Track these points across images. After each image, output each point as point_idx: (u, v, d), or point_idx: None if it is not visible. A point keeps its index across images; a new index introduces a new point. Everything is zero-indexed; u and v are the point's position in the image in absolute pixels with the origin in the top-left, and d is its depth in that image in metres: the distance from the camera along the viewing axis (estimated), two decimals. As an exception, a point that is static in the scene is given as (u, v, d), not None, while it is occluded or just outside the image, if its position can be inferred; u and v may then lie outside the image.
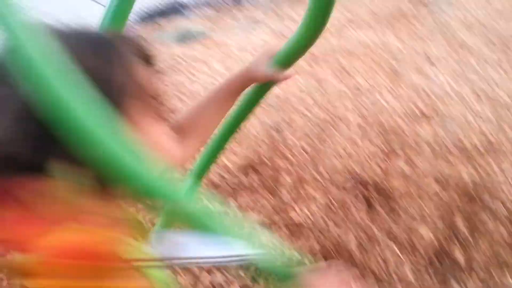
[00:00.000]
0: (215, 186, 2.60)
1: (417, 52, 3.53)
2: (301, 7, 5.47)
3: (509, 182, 2.33)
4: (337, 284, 0.70)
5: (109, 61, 0.62)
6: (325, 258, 2.14)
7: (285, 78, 1.05)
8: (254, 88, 1.12)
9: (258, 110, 3.04)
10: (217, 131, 1.21)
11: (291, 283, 0.66)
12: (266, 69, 1.04)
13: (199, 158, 1.36)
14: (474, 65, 3.32)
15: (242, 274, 2.06)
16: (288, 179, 2.52)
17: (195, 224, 0.55)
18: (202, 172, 1.37)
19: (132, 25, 6.20)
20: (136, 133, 0.63)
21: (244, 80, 1.05)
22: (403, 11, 4.37)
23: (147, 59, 0.72)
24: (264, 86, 1.11)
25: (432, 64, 3.35)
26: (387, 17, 4.28)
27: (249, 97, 1.14)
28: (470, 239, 2.12)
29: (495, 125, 2.68)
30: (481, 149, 2.53)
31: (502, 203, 2.22)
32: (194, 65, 4.00)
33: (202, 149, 1.32)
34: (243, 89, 1.07)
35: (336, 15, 4.50)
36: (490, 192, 2.31)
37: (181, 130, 0.96)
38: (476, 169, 2.41)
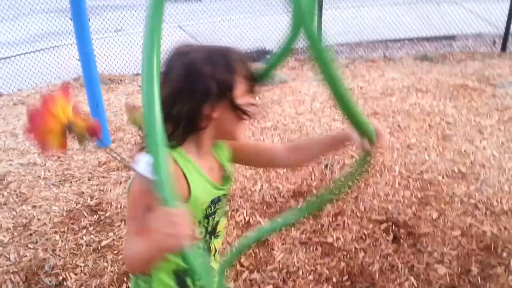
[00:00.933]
0: (268, 204, 3.07)
1: (471, 124, 3.86)
2: (374, 70, 5.96)
3: (528, 245, 2.58)
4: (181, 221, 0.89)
5: (215, 65, 1.07)
6: (349, 278, 2.50)
7: (378, 151, 1.33)
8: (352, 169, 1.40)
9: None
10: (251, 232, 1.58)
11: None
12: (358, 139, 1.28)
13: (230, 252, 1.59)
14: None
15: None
16: (330, 208, 2.94)
17: None
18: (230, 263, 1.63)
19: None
20: (216, 125, 1.11)
21: (345, 137, 1.31)
22: (468, 86, 4.71)
23: (250, 75, 1.14)
24: (362, 160, 1.33)
25: (483, 136, 3.66)
26: (450, 88, 4.64)
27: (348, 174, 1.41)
28: (481, 284, 2.39)
29: (527, 195, 2.95)
30: (509, 213, 2.81)
31: (519, 262, 2.48)
32: (270, 105, 4.57)
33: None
34: (340, 145, 1.39)
35: (405, 82, 4.94)
36: (510, 251, 2.58)
37: (288, 149, 1.44)
38: (500, 229, 2.69)
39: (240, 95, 1.12)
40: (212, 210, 1.25)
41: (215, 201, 1.25)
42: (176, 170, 1.10)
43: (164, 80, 1.05)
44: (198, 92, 1.07)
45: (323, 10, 6.65)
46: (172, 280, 1.26)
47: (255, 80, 1.18)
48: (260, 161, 1.51)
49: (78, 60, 3.62)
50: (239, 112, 1.14)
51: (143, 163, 1.03)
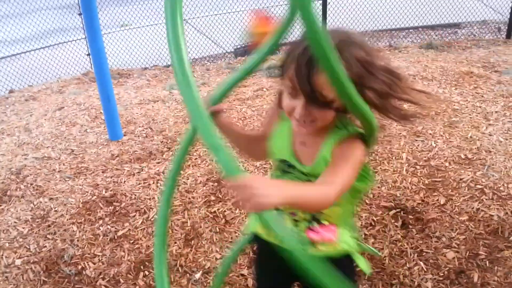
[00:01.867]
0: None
1: (477, 110, 3.90)
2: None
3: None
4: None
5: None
6: (360, 263, 2.57)
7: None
8: None
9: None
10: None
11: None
12: None
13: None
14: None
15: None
16: (340, 196, 3.00)
17: None
18: None
19: (229, 59, 7.02)
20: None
21: None
22: (473, 73, 4.74)
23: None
24: None
25: (489, 122, 3.70)
26: (456, 75, 4.67)
27: None
28: (489, 267, 2.46)
29: (533, 180, 3.00)
30: (515, 198, 2.86)
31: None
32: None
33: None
34: None
35: (411, 70, 4.97)
36: (517, 234, 2.64)
37: None
38: (507, 213, 2.75)
39: None
40: (286, 170, 1.38)
41: (288, 164, 1.37)
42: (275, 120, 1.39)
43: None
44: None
45: (327, 0, 6.67)
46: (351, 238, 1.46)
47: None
48: None
49: (88, 55, 3.70)
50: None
51: None
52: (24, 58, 7.00)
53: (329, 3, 6.62)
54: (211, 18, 8.25)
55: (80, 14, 5.42)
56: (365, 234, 2.72)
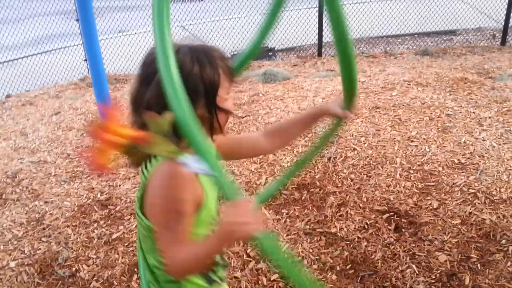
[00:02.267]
0: (273, 197, 3.15)
1: (470, 116, 3.93)
2: (375, 65, 6.03)
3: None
4: (246, 213, 0.98)
5: (202, 64, 1.11)
6: (353, 266, 2.58)
7: (351, 118, 1.49)
8: (328, 129, 1.57)
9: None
10: (292, 163, 1.74)
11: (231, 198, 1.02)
12: (337, 109, 1.48)
13: (272, 181, 1.80)
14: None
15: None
16: (333, 200, 3.03)
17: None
18: (267, 197, 1.80)
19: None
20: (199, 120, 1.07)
21: (321, 113, 1.51)
22: (467, 79, 4.78)
23: (230, 71, 1.18)
24: (336, 125, 1.55)
25: (482, 127, 3.73)
26: (450, 82, 4.71)
27: (324, 134, 1.61)
28: (480, 270, 2.47)
29: (525, 184, 3.03)
30: (508, 202, 2.89)
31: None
32: (273, 101, 4.66)
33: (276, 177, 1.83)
34: (317, 120, 1.52)
35: (406, 76, 5.01)
36: (508, 238, 2.66)
37: (268, 134, 1.52)
38: (499, 217, 2.77)
39: (225, 92, 1.17)
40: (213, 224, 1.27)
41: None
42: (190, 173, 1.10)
43: (150, 82, 1.10)
44: (189, 93, 1.07)
45: (324, 7, 6.71)
46: (200, 279, 1.27)
47: (234, 74, 1.23)
48: (245, 152, 1.57)
49: (85, 60, 3.72)
50: (227, 108, 1.19)
51: (194, 164, 1.06)
52: (21, 63, 7.03)
53: (325, 9, 6.65)
54: (208, 25, 8.30)
55: (77, 20, 5.45)
56: (358, 238, 2.74)
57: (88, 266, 2.70)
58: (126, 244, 2.83)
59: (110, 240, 2.88)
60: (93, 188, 3.40)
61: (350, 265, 2.58)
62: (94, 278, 2.61)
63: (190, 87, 1.08)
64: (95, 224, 3.02)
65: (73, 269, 2.67)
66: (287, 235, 2.81)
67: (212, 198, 1.21)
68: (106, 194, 3.32)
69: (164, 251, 1.07)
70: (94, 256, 2.76)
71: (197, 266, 1.11)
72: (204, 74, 1.11)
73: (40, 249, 2.84)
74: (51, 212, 3.17)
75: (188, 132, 0.99)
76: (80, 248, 2.82)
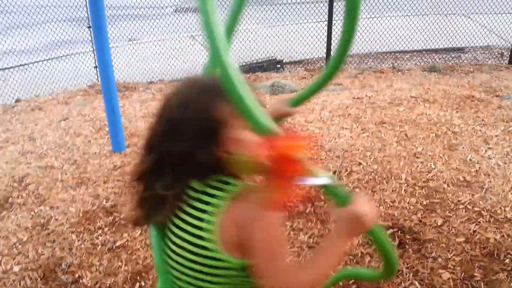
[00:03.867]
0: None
1: (477, 134, 3.93)
2: (383, 80, 6.05)
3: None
4: (369, 205, 1.09)
5: (211, 99, 1.06)
6: (355, 282, 2.58)
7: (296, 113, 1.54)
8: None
9: (324, 157, 3.61)
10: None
11: (346, 201, 1.09)
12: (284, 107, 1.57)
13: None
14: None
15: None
16: (338, 214, 3.02)
17: None
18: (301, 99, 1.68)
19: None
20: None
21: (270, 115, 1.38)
22: (474, 97, 4.79)
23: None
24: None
25: (488, 146, 3.73)
26: (457, 99, 4.72)
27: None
28: (484, 289, 2.46)
29: (531, 204, 3.02)
30: (512, 221, 2.88)
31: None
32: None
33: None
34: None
35: (413, 92, 5.02)
36: (512, 258, 2.65)
37: None
38: (503, 236, 2.76)
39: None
40: None
41: None
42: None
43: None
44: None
45: (333, 21, 6.77)
46: None
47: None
48: None
49: (95, 67, 3.76)
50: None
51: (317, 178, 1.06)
52: (32, 68, 7.10)
53: (334, 24, 6.71)
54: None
55: (89, 27, 5.52)
56: (362, 253, 2.74)
57: (91, 272, 2.71)
58: (130, 252, 2.84)
59: (114, 248, 2.89)
60: (98, 195, 3.42)
61: (353, 281, 2.58)
62: (97, 285, 2.61)
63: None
64: (100, 231, 3.04)
65: (76, 275, 2.68)
66: (290, 248, 2.81)
67: None
68: (111, 201, 3.34)
69: (283, 282, 1.06)
70: (98, 263, 2.77)
71: (326, 274, 1.15)
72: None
73: (44, 254, 2.86)
74: (56, 217, 3.19)
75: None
76: (84, 255, 2.84)
